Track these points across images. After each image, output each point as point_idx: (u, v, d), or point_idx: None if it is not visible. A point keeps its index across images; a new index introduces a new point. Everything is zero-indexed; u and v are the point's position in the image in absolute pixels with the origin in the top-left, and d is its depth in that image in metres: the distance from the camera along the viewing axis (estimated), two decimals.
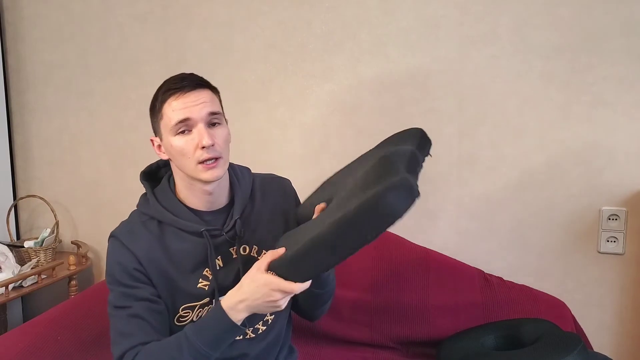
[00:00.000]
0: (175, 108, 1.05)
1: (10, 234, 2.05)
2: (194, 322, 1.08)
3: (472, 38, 1.66)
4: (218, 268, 1.14)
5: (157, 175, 1.22)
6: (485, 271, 1.64)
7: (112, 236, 1.14)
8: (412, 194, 0.89)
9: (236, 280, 1.13)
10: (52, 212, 2.01)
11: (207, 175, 1.06)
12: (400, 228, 1.71)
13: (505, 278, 1.63)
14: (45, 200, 2.03)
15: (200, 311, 1.14)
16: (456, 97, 1.69)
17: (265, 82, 1.84)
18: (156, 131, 1.13)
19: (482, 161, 1.70)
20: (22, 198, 2.10)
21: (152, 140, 1.15)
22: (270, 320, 1.21)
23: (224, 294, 1.13)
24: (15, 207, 2.12)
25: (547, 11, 1.60)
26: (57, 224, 2.00)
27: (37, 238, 1.94)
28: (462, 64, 1.67)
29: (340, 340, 1.57)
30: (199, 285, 1.13)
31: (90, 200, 2.06)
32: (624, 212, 1.60)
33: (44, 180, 2.10)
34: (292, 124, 1.83)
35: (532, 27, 1.61)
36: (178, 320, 1.13)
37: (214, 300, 1.13)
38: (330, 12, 1.76)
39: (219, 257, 1.14)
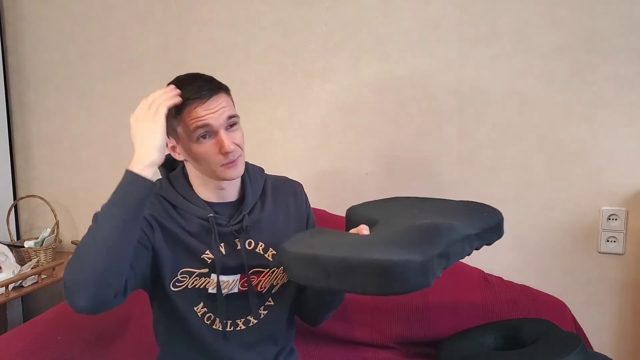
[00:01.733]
0: (197, 116, 1.07)
1: (10, 234, 2.05)
2: None
3: (472, 38, 1.66)
4: (221, 255, 1.16)
5: (174, 164, 1.24)
6: (485, 271, 1.64)
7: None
8: (420, 282, 0.87)
9: (237, 268, 1.17)
10: (52, 212, 2.01)
11: (229, 173, 1.11)
12: None
13: (505, 278, 1.63)
14: (45, 200, 2.03)
15: (196, 280, 1.15)
16: (456, 97, 1.69)
17: (265, 82, 1.84)
18: (170, 133, 1.13)
19: (482, 161, 1.70)
20: (22, 198, 2.10)
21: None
22: (262, 315, 1.21)
23: (225, 274, 1.16)
24: (15, 207, 2.12)
25: (547, 11, 1.60)
26: (57, 224, 2.00)
27: (37, 238, 1.94)
28: (462, 64, 1.67)
29: (340, 340, 1.57)
30: (204, 255, 1.15)
31: (90, 200, 2.06)
32: (624, 212, 1.60)
33: (44, 180, 2.10)
34: (292, 124, 1.83)
35: (532, 27, 1.61)
36: (174, 285, 1.14)
37: (212, 274, 1.15)
38: (330, 12, 1.76)
39: (222, 244, 1.16)
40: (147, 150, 1.01)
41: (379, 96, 1.75)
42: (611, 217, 1.61)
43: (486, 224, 1.04)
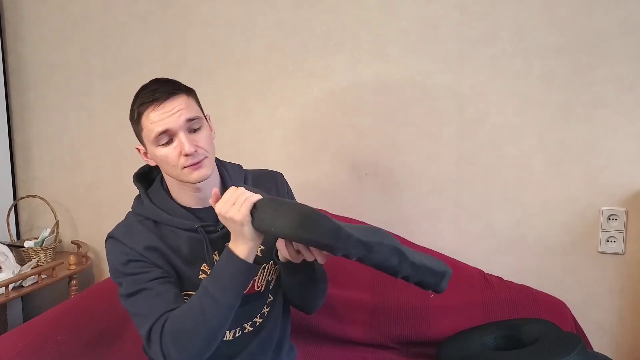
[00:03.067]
0: (153, 120, 1.07)
1: (10, 234, 2.05)
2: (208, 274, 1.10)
3: (472, 38, 1.66)
4: (215, 263, 1.15)
5: (150, 176, 1.24)
6: (485, 271, 1.64)
7: (110, 237, 1.15)
8: (329, 240, 0.94)
9: None
10: (52, 212, 2.01)
11: (194, 176, 1.09)
12: (401, 228, 1.72)
13: (505, 278, 1.63)
14: (45, 200, 2.03)
15: None
16: (456, 97, 1.69)
17: (265, 82, 1.84)
18: (139, 140, 1.14)
19: (482, 161, 1.70)
20: (22, 198, 2.10)
21: (137, 148, 1.17)
22: (266, 313, 1.22)
23: None
24: (15, 207, 2.12)
25: (547, 11, 1.60)
26: (57, 224, 2.00)
27: (37, 238, 1.94)
28: (462, 64, 1.67)
29: (340, 340, 1.57)
30: (200, 276, 1.14)
31: (90, 200, 2.06)
32: (624, 212, 1.60)
33: (44, 180, 2.10)
34: (292, 124, 1.83)
35: (532, 27, 1.61)
36: None
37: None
38: (330, 12, 1.76)
39: (215, 252, 1.15)
40: (242, 240, 1.02)
41: (379, 96, 1.75)
42: (611, 217, 1.61)
43: (429, 264, 1.03)
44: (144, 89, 1.12)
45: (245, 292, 1.16)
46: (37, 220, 2.14)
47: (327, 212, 1.67)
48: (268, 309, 1.22)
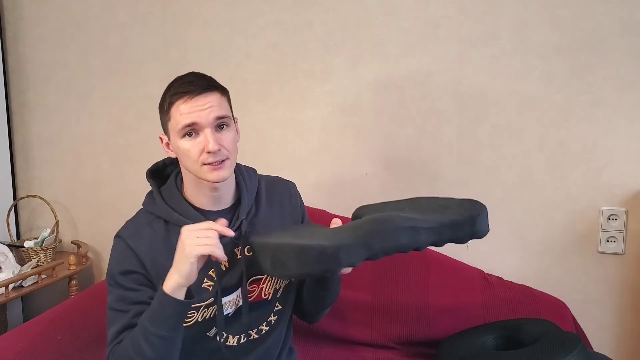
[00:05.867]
0: (183, 112, 1.06)
1: (10, 234, 2.05)
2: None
3: (472, 38, 1.66)
4: (223, 269, 1.14)
5: (163, 173, 1.22)
6: (485, 271, 1.64)
7: (118, 236, 1.14)
8: (326, 266, 0.91)
9: (239, 281, 1.14)
10: (52, 212, 2.01)
11: (212, 176, 1.07)
12: None
13: (505, 278, 1.63)
14: (45, 200, 2.03)
15: (205, 311, 1.14)
16: (456, 97, 1.69)
17: (265, 82, 1.84)
18: (164, 130, 1.13)
19: (482, 161, 1.70)
20: (22, 198, 2.10)
21: (160, 137, 1.16)
22: (273, 321, 1.21)
23: (227, 295, 1.13)
24: (15, 207, 2.12)
25: (547, 11, 1.60)
26: (57, 224, 2.00)
27: (37, 238, 1.94)
28: (462, 64, 1.67)
29: (340, 340, 1.57)
30: (204, 285, 1.13)
31: (90, 200, 2.06)
32: (624, 212, 1.60)
33: (44, 180, 2.10)
34: (292, 124, 1.83)
35: (532, 27, 1.61)
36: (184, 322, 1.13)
37: (217, 301, 1.13)
38: (330, 13, 1.76)
39: None
40: (176, 273, 1.01)
41: (379, 96, 1.75)
42: (611, 217, 1.61)
43: (448, 219, 0.98)
44: (179, 79, 1.10)
45: (251, 299, 1.16)
46: (37, 220, 2.14)
47: (326, 212, 1.68)
48: (275, 317, 1.21)
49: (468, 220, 0.98)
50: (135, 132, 1.97)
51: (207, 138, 1.05)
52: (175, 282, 1.00)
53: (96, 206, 2.06)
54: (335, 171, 1.81)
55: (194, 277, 1.01)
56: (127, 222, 1.17)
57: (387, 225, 0.94)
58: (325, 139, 1.81)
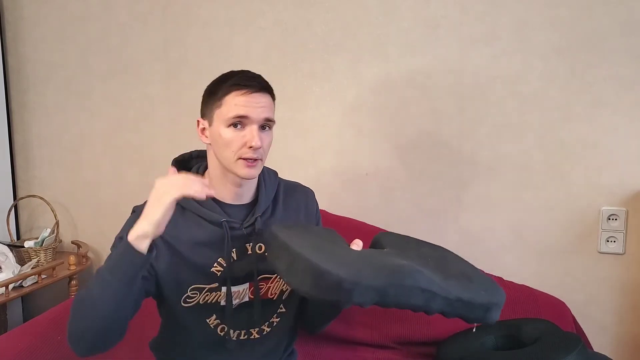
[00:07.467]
0: (238, 103, 1.09)
1: (10, 234, 2.05)
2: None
3: (472, 38, 1.66)
4: (232, 260, 1.15)
5: (188, 165, 1.24)
6: (486, 271, 1.64)
7: (134, 211, 1.15)
8: (337, 297, 0.89)
9: (247, 276, 1.16)
10: (52, 212, 2.01)
11: (244, 171, 1.10)
12: (401, 228, 1.71)
13: (505, 278, 1.63)
14: (45, 200, 2.03)
15: (207, 295, 1.14)
16: (456, 97, 1.69)
17: None
18: (206, 114, 1.15)
19: (482, 161, 1.70)
20: (22, 198, 2.10)
21: (198, 121, 1.17)
22: (275, 323, 1.21)
23: (235, 285, 1.15)
24: (16, 207, 2.12)
25: (547, 11, 1.60)
26: (57, 224, 2.00)
27: (37, 238, 1.94)
28: (462, 64, 1.67)
29: (340, 340, 1.56)
30: (213, 268, 1.14)
31: (90, 200, 2.06)
32: (624, 212, 1.60)
33: (44, 180, 2.10)
34: (292, 124, 1.83)
35: (532, 27, 1.61)
36: (185, 301, 1.14)
37: (222, 288, 1.14)
38: (330, 13, 1.76)
39: (234, 250, 1.15)
40: (145, 220, 0.99)
41: (379, 96, 1.75)
42: (611, 217, 1.61)
43: (467, 297, 0.96)
44: (236, 73, 1.14)
45: (253, 297, 1.16)
46: (37, 220, 2.14)
47: (326, 212, 1.68)
48: (278, 320, 1.21)
49: (484, 305, 0.97)
50: (135, 132, 1.97)
51: (253, 134, 1.09)
52: (141, 230, 0.98)
53: (96, 206, 2.06)
54: (335, 171, 1.81)
55: (162, 227, 1.00)
56: (146, 201, 1.17)
57: (408, 280, 0.92)
58: (325, 139, 1.81)
